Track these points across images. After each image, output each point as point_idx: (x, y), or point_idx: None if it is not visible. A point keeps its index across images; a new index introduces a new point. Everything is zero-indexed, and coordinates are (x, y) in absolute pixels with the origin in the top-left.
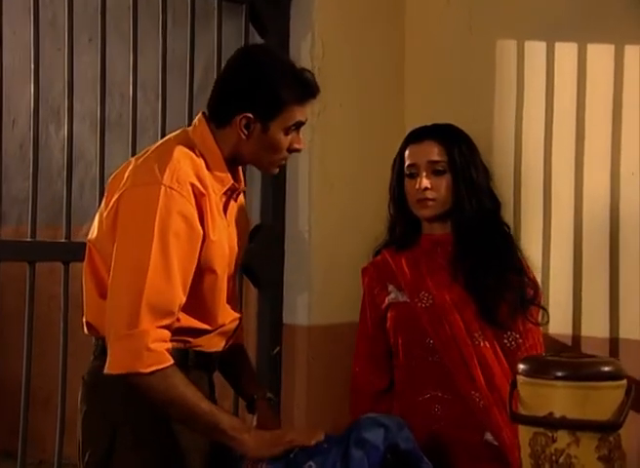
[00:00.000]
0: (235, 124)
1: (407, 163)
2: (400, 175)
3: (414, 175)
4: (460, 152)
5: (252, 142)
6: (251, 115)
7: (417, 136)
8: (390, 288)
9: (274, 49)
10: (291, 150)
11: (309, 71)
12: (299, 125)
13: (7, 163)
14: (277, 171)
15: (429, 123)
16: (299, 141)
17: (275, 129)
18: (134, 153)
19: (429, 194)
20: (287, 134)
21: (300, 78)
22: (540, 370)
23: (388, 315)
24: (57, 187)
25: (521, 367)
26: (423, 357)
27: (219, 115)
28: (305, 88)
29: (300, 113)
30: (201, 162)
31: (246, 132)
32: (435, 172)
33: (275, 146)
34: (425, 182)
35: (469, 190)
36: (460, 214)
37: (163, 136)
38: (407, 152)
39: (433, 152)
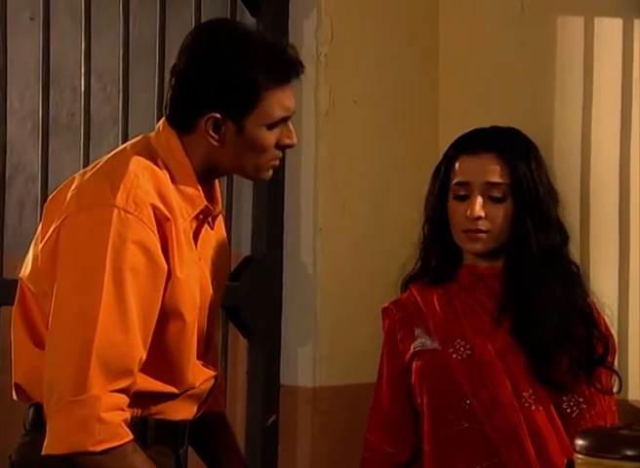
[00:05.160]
0: (200, 128)
1: (456, 179)
2: (443, 190)
3: (464, 198)
4: (528, 171)
5: (227, 149)
6: (218, 114)
7: (472, 146)
8: (417, 332)
9: (234, 22)
10: (281, 147)
11: (287, 43)
12: (285, 117)
13: None
14: (270, 175)
15: (471, 127)
16: (289, 134)
17: (253, 126)
18: (86, 164)
19: (482, 225)
20: (271, 128)
21: (274, 53)
22: (604, 446)
23: (413, 366)
24: None
25: (579, 442)
26: (458, 423)
27: (178, 119)
28: (283, 65)
29: (282, 100)
30: (166, 177)
31: (216, 136)
32: (493, 197)
33: (258, 147)
34: (479, 210)
35: (536, 223)
36: (519, 251)
37: (125, 141)
38: (457, 165)
39: (494, 172)
